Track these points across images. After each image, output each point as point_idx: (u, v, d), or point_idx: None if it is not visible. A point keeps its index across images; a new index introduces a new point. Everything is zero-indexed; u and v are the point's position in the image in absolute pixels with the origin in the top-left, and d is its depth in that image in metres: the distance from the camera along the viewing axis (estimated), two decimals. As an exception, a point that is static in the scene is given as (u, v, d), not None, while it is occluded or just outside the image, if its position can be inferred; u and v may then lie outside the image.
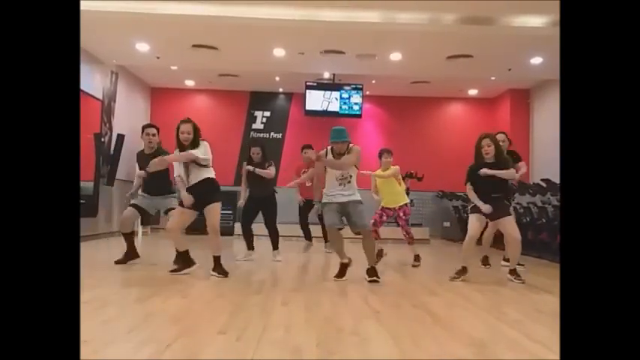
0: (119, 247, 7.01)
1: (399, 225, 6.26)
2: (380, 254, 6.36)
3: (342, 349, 2.41)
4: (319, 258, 6.56)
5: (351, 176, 4.72)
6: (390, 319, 3.13)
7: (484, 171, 4.67)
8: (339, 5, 6.35)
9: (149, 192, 5.39)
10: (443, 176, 10.53)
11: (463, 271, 4.80)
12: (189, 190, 4.62)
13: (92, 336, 2.47)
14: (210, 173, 4.69)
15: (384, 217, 6.23)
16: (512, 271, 4.84)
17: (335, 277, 4.65)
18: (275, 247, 6.21)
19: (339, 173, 4.69)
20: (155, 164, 4.61)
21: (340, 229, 4.85)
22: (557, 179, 6.83)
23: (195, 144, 4.55)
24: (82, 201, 7.72)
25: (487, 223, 5.99)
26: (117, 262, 5.29)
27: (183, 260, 4.79)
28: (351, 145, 4.75)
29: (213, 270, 4.66)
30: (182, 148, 4.57)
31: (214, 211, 4.67)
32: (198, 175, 4.61)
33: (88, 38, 7.43)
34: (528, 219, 7.65)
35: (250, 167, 6.03)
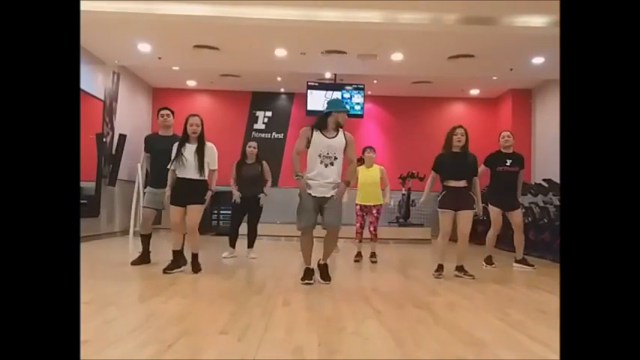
0: (121, 247, 7.05)
1: (369, 221, 6.39)
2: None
3: (343, 349, 2.42)
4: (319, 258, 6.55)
5: (336, 158, 4.26)
6: (392, 319, 3.13)
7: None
8: (340, 5, 6.35)
9: (155, 185, 5.30)
10: (445, 176, 10.50)
11: (440, 268, 5.00)
12: (180, 181, 4.76)
13: (94, 336, 2.48)
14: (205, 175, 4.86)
15: (364, 217, 6.34)
16: (459, 268, 4.98)
17: (302, 280, 4.41)
18: (250, 245, 6.39)
19: (324, 151, 4.23)
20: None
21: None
22: (558, 179, 6.82)
23: (202, 137, 4.81)
24: (83, 201, 7.74)
25: (490, 222, 6.01)
26: (133, 264, 5.26)
27: (177, 259, 4.85)
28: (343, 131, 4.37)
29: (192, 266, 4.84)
30: (187, 139, 4.80)
31: (196, 212, 4.80)
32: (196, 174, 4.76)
33: (90, 39, 7.45)
34: (530, 219, 7.64)
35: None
